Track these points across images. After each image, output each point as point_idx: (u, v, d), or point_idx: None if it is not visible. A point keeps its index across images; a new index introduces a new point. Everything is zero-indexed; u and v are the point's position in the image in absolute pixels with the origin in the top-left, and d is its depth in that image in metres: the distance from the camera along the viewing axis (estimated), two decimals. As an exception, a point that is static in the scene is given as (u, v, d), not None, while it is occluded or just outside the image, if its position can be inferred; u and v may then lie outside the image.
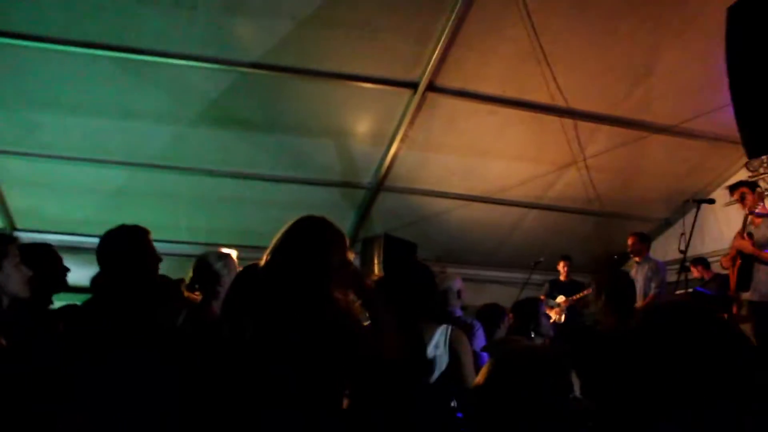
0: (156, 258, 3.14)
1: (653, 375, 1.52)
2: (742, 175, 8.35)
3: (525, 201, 9.10)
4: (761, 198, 5.67)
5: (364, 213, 8.49)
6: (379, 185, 8.25)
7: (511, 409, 1.61)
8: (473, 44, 6.44)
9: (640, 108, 7.50)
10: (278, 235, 2.38)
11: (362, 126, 7.50)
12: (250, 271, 2.41)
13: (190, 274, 3.45)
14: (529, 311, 3.80)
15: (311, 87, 6.78)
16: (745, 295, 5.58)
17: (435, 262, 9.40)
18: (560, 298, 7.68)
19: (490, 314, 4.64)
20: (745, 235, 5.58)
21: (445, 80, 6.89)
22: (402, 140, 7.57)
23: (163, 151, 7.32)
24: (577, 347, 3.19)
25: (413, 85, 6.89)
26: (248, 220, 8.00)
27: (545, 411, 1.59)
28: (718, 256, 7.52)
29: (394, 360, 2.35)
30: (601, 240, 9.42)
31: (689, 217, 9.23)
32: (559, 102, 7.26)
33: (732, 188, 5.89)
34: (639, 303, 6.71)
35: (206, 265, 3.40)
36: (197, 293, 3.41)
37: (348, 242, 2.48)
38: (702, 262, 7.24)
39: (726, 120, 7.77)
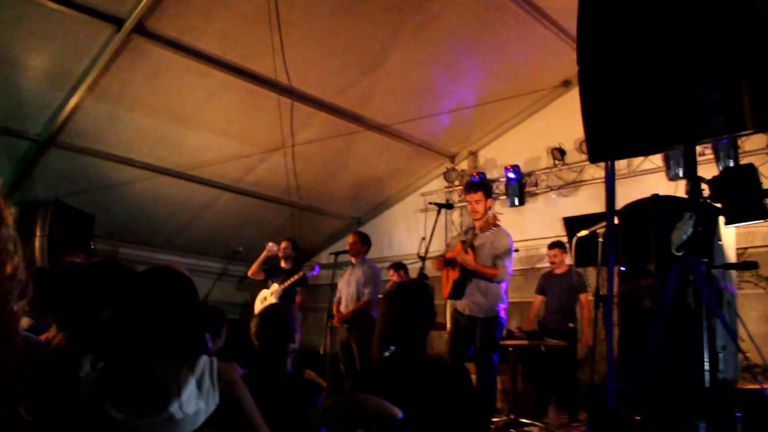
0: None
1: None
2: (439, 183, 8.65)
3: (220, 182, 8.23)
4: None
5: (24, 171, 6.77)
6: (51, 139, 6.64)
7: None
8: (201, -11, 5.45)
9: (361, 101, 7.21)
10: None
11: (40, 59, 5.90)
12: None
13: None
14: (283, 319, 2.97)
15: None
16: (459, 305, 5.36)
17: (107, 240, 8.02)
18: (274, 286, 6.85)
19: (207, 320, 3.69)
20: (468, 249, 5.30)
21: (159, 24, 5.76)
22: (90, 88, 6.17)
23: None
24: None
25: (118, 22, 5.62)
26: None
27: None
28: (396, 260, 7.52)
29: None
30: (293, 233, 8.99)
31: (381, 219, 9.42)
32: (282, 78, 6.57)
33: (473, 187, 5.48)
34: (350, 307, 6.33)
35: None
36: None
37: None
38: (402, 266, 7.17)
39: (433, 128, 7.95)
